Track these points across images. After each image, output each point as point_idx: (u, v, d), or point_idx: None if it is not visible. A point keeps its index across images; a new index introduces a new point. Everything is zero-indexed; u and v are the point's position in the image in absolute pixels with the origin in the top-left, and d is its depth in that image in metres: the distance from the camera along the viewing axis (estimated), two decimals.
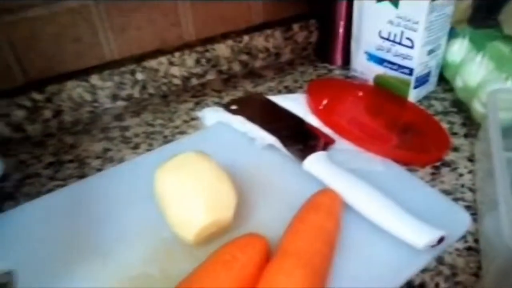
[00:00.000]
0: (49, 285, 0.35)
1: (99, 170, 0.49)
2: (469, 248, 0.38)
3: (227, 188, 0.38)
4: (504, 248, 0.31)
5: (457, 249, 0.38)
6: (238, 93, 0.62)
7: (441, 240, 0.36)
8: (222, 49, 0.64)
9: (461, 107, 0.55)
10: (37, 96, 0.54)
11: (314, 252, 0.32)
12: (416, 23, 0.50)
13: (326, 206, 0.37)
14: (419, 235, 0.35)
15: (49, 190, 0.46)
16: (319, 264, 0.32)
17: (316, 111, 0.52)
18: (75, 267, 0.37)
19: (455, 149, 0.49)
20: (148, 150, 0.52)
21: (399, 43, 0.54)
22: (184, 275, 0.32)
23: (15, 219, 0.43)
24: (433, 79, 0.58)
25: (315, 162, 0.44)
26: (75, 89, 0.56)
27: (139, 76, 0.60)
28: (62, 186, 0.47)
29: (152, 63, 0.60)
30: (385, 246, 0.37)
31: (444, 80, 0.60)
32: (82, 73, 0.57)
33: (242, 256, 0.32)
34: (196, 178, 0.37)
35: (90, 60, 0.57)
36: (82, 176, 0.48)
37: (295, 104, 0.55)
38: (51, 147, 0.54)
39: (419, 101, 0.58)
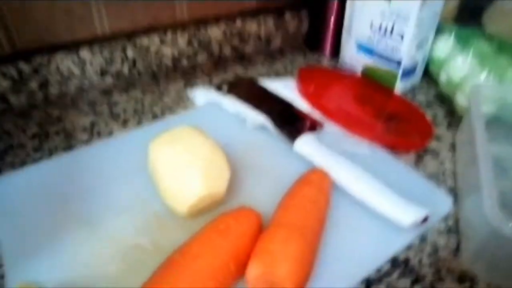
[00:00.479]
0: (34, 254, 0.35)
1: (86, 143, 0.48)
2: (449, 229, 0.40)
3: (222, 162, 0.38)
4: (484, 226, 0.32)
5: (438, 229, 0.39)
6: (228, 77, 0.63)
7: (425, 219, 0.37)
8: (215, 31, 0.64)
9: (444, 100, 0.58)
10: (24, 66, 0.53)
11: (306, 225, 0.33)
12: (407, 17, 0.52)
13: (316, 184, 0.38)
14: (405, 214, 0.37)
15: (34, 161, 0.45)
16: (311, 236, 0.33)
17: (306, 95, 0.53)
18: (61, 236, 0.36)
19: (438, 139, 0.51)
20: (137, 126, 0.52)
21: (390, 36, 0.55)
22: (174, 247, 0.32)
23: None
24: (419, 72, 0.60)
25: (305, 143, 0.45)
26: (64, 62, 0.55)
27: (130, 53, 0.59)
28: (48, 157, 0.46)
29: (143, 40, 0.59)
30: (372, 224, 0.38)
31: (428, 74, 0.62)
32: (72, 46, 0.56)
33: (236, 225, 0.33)
34: (191, 151, 0.37)
35: (81, 33, 0.56)
36: (68, 149, 0.47)
37: (285, 88, 0.56)
38: (36, 119, 0.52)
39: (405, 92, 0.60)
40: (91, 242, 0.36)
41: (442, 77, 0.56)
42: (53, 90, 0.56)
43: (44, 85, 0.55)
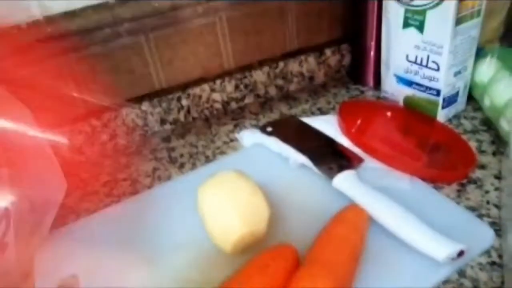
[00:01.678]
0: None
1: (149, 187, 0.55)
2: (492, 263, 0.39)
3: (261, 203, 0.42)
4: None
5: (479, 263, 0.39)
6: (274, 116, 0.67)
7: (461, 253, 0.38)
8: (259, 75, 0.70)
9: (490, 125, 0.56)
10: (95, 122, 0.62)
11: (338, 262, 0.36)
12: (441, 47, 0.53)
13: (352, 221, 0.41)
14: (440, 248, 0.38)
15: (106, 205, 0.53)
16: (343, 274, 0.35)
17: (347, 132, 0.56)
18: (129, 272, 0.42)
19: (483, 167, 0.50)
20: (192, 169, 0.57)
21: (426, 66, 0.56)
22: (222, 281, 0.36)
23: (77, 230, 0.49)
24: (462, 99, 0.60)
25: (344, 180, 0.48)
26: (129, 115, 0.63)
27: (184, 102, 0.66)
28: (117, 201, 0.53)
29: (195, 90, 0.66)
30: (407, 259, 0.39)
31: (474, 100, 0.61)
32: (135, 101, 0.64)
33: (273, 263, 0.36)
34: (233, 194, 0.42)
35: (142, 89, 0.64)
36: (134, 193, 0.54)
37: (327, 125, 0.59)
38: (107, 167, 0.61)
39: (449, 120, 0.60)
40: (152, 277, 0.41)
41: (486, 102, 0.56)
42: (121, 140, 0.65)
43: (113, 136, 0.64)
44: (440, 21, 0.52)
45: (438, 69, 0.55)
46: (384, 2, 0.59)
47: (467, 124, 0.59)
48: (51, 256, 0.46)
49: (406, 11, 0.56)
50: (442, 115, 0.58)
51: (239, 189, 0.42)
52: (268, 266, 0.36)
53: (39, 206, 0.48)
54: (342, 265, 0.36)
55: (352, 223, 0.40)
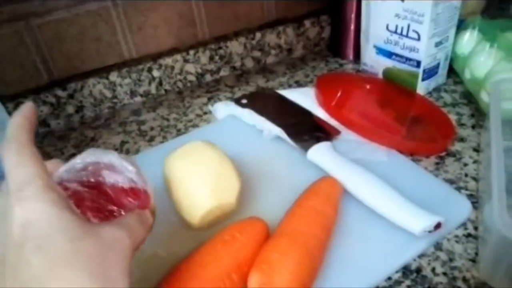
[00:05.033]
0: None
1: None
2: (468, 235, 0.38)
3: (231, 175, 0.40)
4: (496, 233, 0.31)
5: (456, 236, 0.38)
6: (251, 89, 0.64)
7: (438, 226, 0.36)
8: (235, 46, 0.67)
9: (470, 99, 0.55)
10: (60, 93, 0.58)
11: (309, 234, 0.34)
12: (422, 15, 0.51)
13: (325, 192, 0.39)
14: (416, 221, 0.36)
15: None
16: (314, 246, 0.34)
17: (324, 104, 0.54)
18: None
19: (462, 140, 0.49)
20: (162, 142, 0.55)
21: (406, 36, 0.54)
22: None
23: None
24: (443, 71, 0.58)
25: (319, 152, 0.46)
26: (96, 86, 0.60)
27: (156, 73, 0.63)
28: None
29: (168, 60, 0.63)
30: (383, 231, 0.38)
31: (454, 73, 0.60)
32: (102, 71, 0.60)
33: (241, 236, 0.34)
34: (201, 165, 0.39)
35: (110, 58, 0.60)
36: None
37: (304, 97, 0.56)
38: (73, 140, 0.57)
39: (429, 93, 0.58)
40: None
41: (466, 74, 0.54)
42: (89, 112, 0.61)
43: (80, 108, 0.60)
44: None
45: (418, 39, 0.53)
46: None
47: (447, 97, 0.57)
48: None
49: None
50: (422, 88, 0.57)
51: (208, 160, 0.40)
52: (234, 239, 0.34)
53: None
54: (313, 237, 0.34)
55: (325, 194, 0.38)
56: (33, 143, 0.23)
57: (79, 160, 0.27)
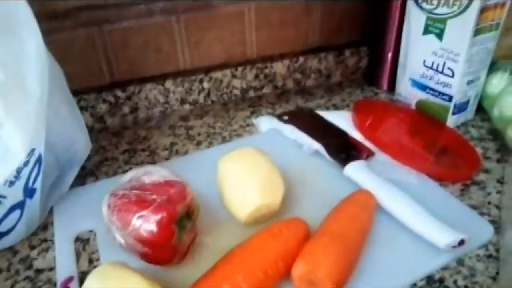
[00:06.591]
0: None
1: (166, 159, 0.58)
2: (489, 256, 0.42)
3: (278, 179, 0.45)
4: None
5: (477, 255, 0.42)
6: (290, 107, 0.70)
7: (461, 242, 0.40)
8: (279, 67, 0.72)
9: (496, 135, 0.59)
10: (120, 93, 0.64)
11: (348, 236, 0.38)
12: (458, 55, 0.56)
13: (361, 203, 0.43)
14: (442, 236, 0.40)
15: (124, 171, 0.55)
16: (351, 248, 0.38)
17: (360, 126, 0.58)
18: None
19: (486, 171, 0.53)
20: (208, 147, 0.60)
21: (441, 72, 0.59)
22: (234, 247, 0.38)
23: (95, 191, 0.51)
24: (472, 107, 0.63)
25: (355, 169, 0.50)
26: (152, 91, 0.66)
27: (206, 84, 0.69)
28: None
29: (218, 74, 0.69)
30: (411, 243, 0.42)
31: (482, 110, 0.64)
32: (159, 78, 0.66)
33: (286, 231, 0.38)
34: (253, 167, 0.44)
35: (167, 67, 0.67)
36: (152, 163, 0.57)
37: (341, 119, 0.61)
38: (127, 137, 0.63)
39: (457, 126, 0.62)
40: None
41: (495, 112, 0.58)
42: (142, 114, 0.67)
43: (134, 109, 0.66)
44: (459, 30, 0.55)
45: (452, 76, 0.58)
46: (406, 9, 0.62)
47: (474, 132, 0.61)
48: (70, 211, 0.48)
49: (428, 18, 0.59)
50: (452, 121, 0.61)
51: (259, 163, 0.45)
52: (281, 233, 0.38)
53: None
54: (351, 239, 0.38)
55: (361, 204, 0.43)
56: None
57: (124, 178, 0.41)
